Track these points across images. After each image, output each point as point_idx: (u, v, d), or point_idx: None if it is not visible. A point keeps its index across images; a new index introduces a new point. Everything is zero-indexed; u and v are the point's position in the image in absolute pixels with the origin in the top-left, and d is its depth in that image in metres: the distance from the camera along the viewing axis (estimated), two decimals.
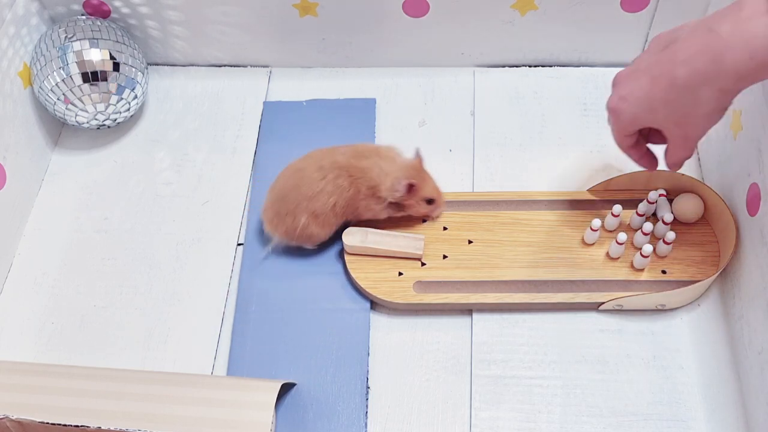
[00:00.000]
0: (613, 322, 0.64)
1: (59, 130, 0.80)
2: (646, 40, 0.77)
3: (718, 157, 0.69)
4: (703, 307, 0.65)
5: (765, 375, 0.56)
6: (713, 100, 0.50)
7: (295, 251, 0.69)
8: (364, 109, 0.78)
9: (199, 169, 0.76)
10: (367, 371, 0.63)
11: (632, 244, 0.66)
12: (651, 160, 0.61)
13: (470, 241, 0.67)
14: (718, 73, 0.49)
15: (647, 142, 0.60)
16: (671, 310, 0.65)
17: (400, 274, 0.65)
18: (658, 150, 0.60)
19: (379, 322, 0.66)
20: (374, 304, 0.66)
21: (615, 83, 0.57)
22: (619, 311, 0.65)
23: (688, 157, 0.57)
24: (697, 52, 0.49)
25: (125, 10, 0.77)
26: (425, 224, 0.68)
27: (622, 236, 0.64)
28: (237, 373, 0.63)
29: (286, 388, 0.61)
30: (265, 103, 0.80)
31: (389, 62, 0.81)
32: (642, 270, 0.64)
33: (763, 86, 0.60)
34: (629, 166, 0.72)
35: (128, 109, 0.76)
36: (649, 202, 0.66)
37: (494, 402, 0.61)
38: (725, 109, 0.52)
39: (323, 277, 0.67)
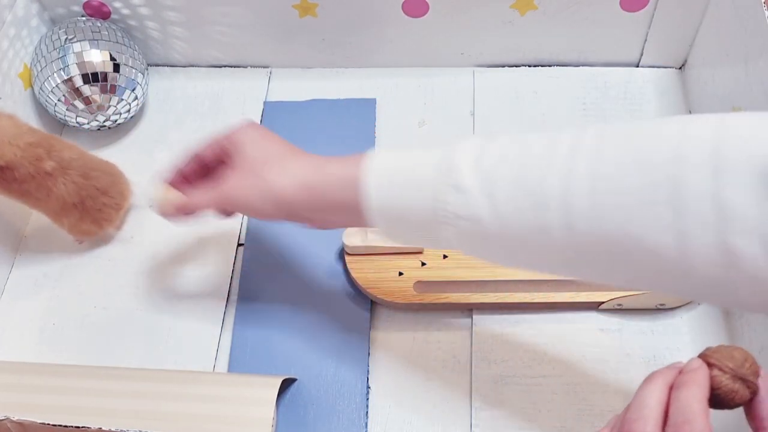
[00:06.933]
0: (614, 322, 0.64)
1: (60, 131, 0.80)
2: (646, 40, 0.77)
3: None
4: (704, 306, 0.65)
5: (765, 374, 0.56)
6: None
7: (296, 251, 0.69)
8: (364, 109, 0.78)
9: None
10: (368, 371, 0.63)
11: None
12: None
13: None
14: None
15: None
16: (671, 309, 0.65)
17: (401, 274, 0.65)
18: None
19: (379, 322, 0.66)
20: (374, 304, 0.66)
21: None
22: (620, 310, 0.65)
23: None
24: None
25: (125, 11, 0.77)
26: None
27: None
28: (238, 372, 0.63)
29: (286, 384, 0.61)
30: (265, 103, 0.80)
31: (389, 62, 0.81)
32: None
33: (763, 86, 0.60)
34: None
35: (128, 110, 0.76)
36: None
37: (495, 401, 0.61)
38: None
39: (323, 277, 0.67)
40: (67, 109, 0.73)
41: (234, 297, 0.68)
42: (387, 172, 0.48)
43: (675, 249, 0.38)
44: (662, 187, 0.38)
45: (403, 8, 0.75)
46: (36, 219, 0.74)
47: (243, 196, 0.53)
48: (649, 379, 0.41)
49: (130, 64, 0.74)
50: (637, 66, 0.80)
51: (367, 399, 0.62)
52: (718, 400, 0.39)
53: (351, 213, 0.50)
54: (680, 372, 0.40)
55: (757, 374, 0.39)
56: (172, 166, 0.59)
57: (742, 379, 0.39)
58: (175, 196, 0.57)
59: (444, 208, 0.45)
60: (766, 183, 0.36)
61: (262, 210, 0.53)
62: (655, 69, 0.80)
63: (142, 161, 0.77)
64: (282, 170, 0.52)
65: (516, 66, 0.81)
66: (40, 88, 0.72)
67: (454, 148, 0.46)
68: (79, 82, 0.71)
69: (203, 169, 0.59)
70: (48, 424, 0.50)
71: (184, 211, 0.56)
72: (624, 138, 0.41)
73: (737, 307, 0.42)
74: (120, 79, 0.73)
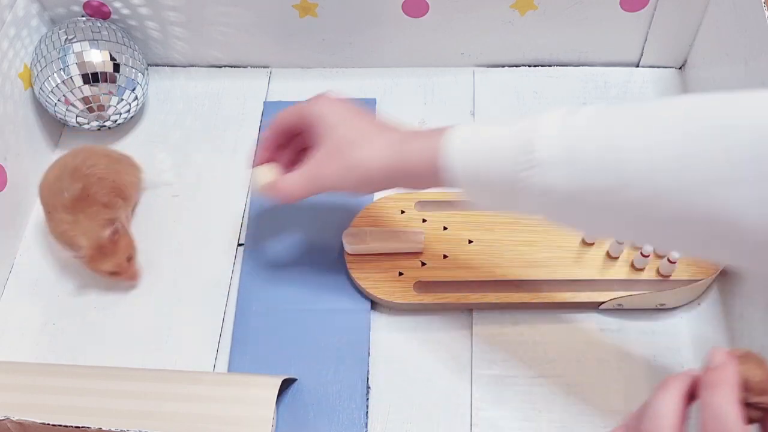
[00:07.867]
0: (614, 322, 0.64)
1: (60, 131, 0.80)
2: (646, 40, 0.77)
3: None
4: (704, 306, 0.65)
5: None
6: None
7: (296, 251, 0.69)
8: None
9: (200, 170, 0.76)
10: (368, 371, 0.63)
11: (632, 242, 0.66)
12: None
13: (470, 241, 0.67)
14: None
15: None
16: (671, 309, 0.65)
17: (401, 274, 0.65)
18: None
19: (379, 322, 0.66)
20: (374, 304, 0.66)
21: None
22: (620, 310, 0.64)
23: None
24: None
25: (125, 11, 0.77)
26: (425, 224, 0.68)
27: None
28: (238, 372, 0.63)
29: (286, 384, 0.61)
30: (265, 103, 0.80)
31: (389, 62, 0.81)
32: (642, 269, 0.64)
33: (763, 86, 0.60)
34: None
35: (128, 110, 0.76)
36: None
37: (495, 401, 0.61)
38: None
39: (323, 277, 0.67)
40: (67, 109, 0.73)
41: (234, 297, 0.68)
42: (470, 146, 0.49)
43: (760, 221, 0.38)
44: (745, 159, 0.38)
45: (403, 8, 0.75)
46: (36, 219, 0.74)
47: (330, 177, 0.56)
48: (663, 387, 0.39)
49: (130, 64, 0.74)
50: (637, 66, 0.80)
51: (367, 399, 0.62)
52: None
53: (429, 182, 0.52)
54: (706, 369, 0.38)
55: (766, 392, 0.38)
56: (258, 146, 0.62)
57: (747, 405, 0.37)
58: (270, 175, 0.60)
59: (525, 180, 0.46)
60: None
61: (345, 187, 0.56)
62: (655, 69, 0.80)
63: (142, 161, 0.77)
64: (368, 149, 0.54)
65: (516, 66, 0.81)
66: (40, 88, 0.72)
67: (537, 121, 0.46)
68: (79, 82, 0.72)
69: (286, 138, 0.61)
70: (48, 424, 0.50)
71: (282, 199, 0.59)
72: (706, 109, 0.41)
73: None
74: (120, 79, 0.73)
